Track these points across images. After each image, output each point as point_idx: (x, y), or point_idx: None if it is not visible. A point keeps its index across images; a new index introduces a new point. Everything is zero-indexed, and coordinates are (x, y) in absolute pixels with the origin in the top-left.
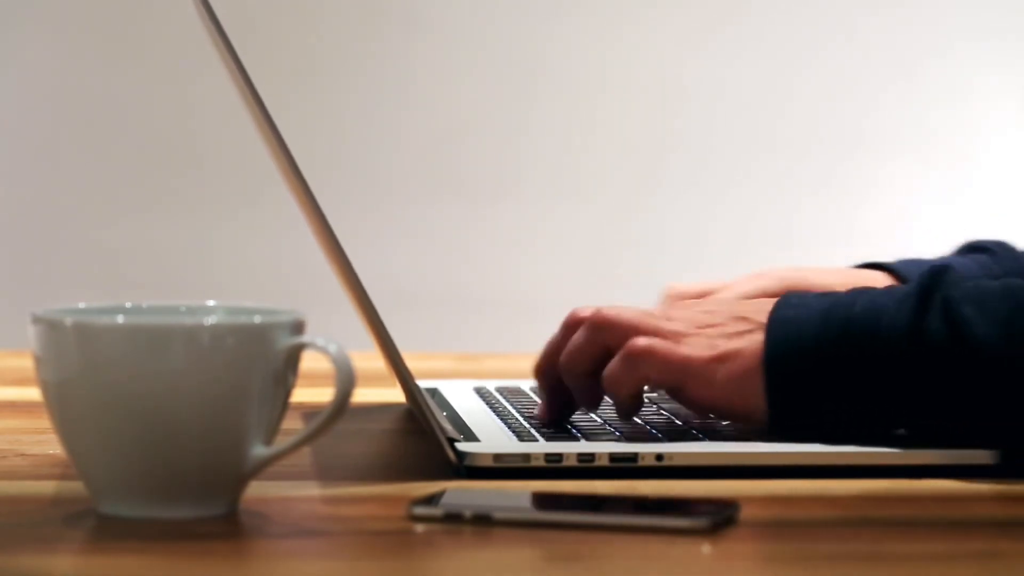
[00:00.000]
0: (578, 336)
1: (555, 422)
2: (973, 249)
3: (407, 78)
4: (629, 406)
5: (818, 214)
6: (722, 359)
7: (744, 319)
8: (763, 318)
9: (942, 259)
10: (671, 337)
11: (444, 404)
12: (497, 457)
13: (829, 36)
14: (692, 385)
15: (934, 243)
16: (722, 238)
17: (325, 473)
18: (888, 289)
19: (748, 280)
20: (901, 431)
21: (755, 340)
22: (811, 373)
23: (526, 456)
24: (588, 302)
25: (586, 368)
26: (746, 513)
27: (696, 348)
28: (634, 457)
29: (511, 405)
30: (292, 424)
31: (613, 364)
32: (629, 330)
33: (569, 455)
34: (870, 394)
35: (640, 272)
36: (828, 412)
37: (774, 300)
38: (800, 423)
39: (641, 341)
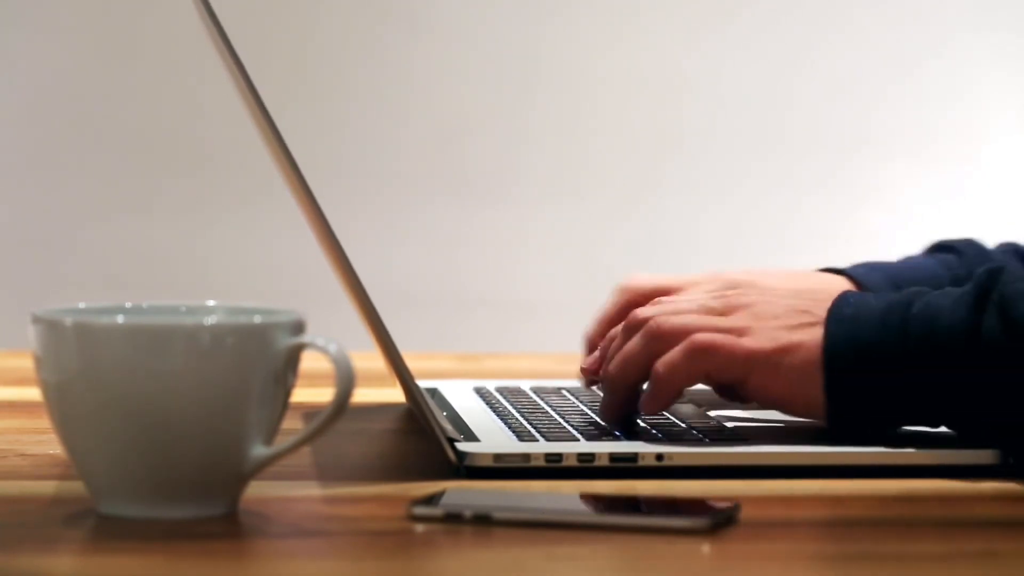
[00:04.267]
0: (633, 345)
1: (620, 421)
2: (940, 249)
3: (407, 78)
4: (669, 400)
5: (818, 214)
6: (785, 351)
7: (805, 311)
8: (823, 312)
9: (906, 259)
10: (732, 332)
11: (444, 404)
12: (497, 457)
13: (830, 35)
14: (756, 377)
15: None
16: (723, 238)
17: (325, 473)
18: (946, 289)
19: (703, 283)
20: (955, 429)
21: (816, 334)
22: (870, 371)
23: (526, 456)
24: (589, 303)
25: (637, 379)
26: (746, 513)
27: (759, 340)
28: (634, 457)
29: (511, 405)
30: (292, 424)
31: (673, 356)
32: (686, 334)
33: (569, 455)
34: (928, 392)
35: (640, 272)
36: (886, 409)
37: (832, 294)
38: (858, 419)
39: (703, 336)
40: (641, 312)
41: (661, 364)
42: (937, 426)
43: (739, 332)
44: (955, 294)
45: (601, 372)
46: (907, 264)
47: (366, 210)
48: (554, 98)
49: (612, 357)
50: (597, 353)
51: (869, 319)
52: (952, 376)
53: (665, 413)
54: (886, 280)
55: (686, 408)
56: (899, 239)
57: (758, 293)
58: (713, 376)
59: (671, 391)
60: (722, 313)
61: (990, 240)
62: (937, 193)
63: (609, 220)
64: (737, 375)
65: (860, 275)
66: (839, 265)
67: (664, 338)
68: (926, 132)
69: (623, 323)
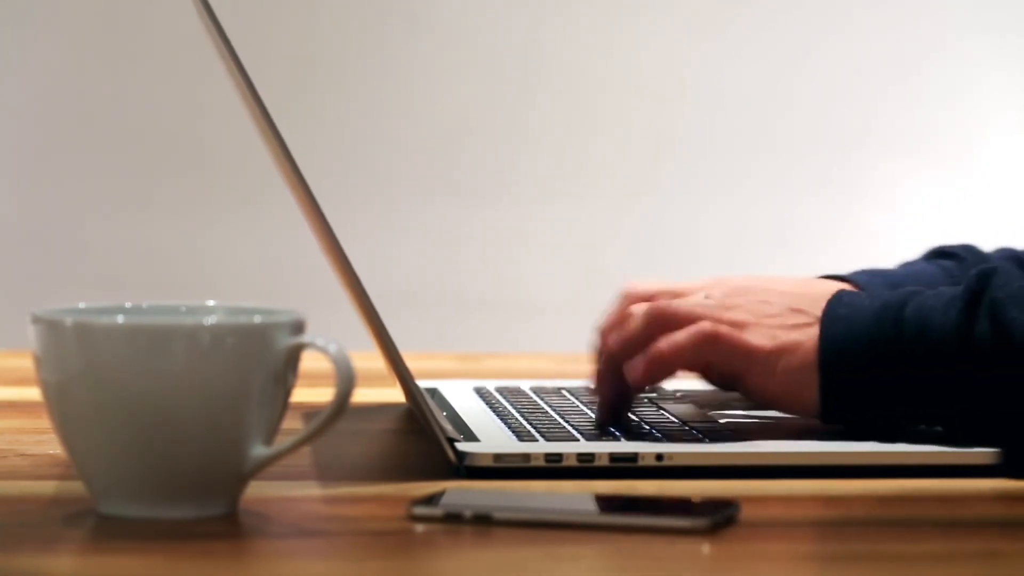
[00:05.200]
0: (635, 324)
1: (613, 419)
2: (940, 255)
3: (407, 78)
4: (660, 376)
5: (818, 214)
6: (782, 351)
7: (801, 311)
8: (818, 312)
9: (905, 265)
10: (733, 325)
11: (444, 404)
12: (497, 457)
13: (830, 35)
14: (753, 374)
15: (933, 243)
16: (723, 238)
17: (325, 473)
18: (939, 290)
19: (705, 288)
20: (946, 428)
21: (811, 334)
22: (864, 371)
23: (526, 456)
24: (589, 303)
25: (634, 356)
26: (746, 513)
27: (758, 337)
28: (634, 457)
29: (511, 405)
30: (292, 424)
31: (679, 337)
32: (691, 320)
33: (569, 455)
34: (919, 392)
35: (640, 272)
36: (879, 409)
37: (827, 294)
38: (851, 418)
39: (710, 324)
40: (639, 305)
41: (665, 342)
42: (930, 426)
43: (740, 326)
44: (947, 295)
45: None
46: (908, 270)
47: (366, 210)
48: (554, 98)
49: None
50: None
51: (863, 319)
52: (944, 377)
53: (666, 413)
54: (889, 287)
55: (686, 408)
56: (898, 239)
57: (755, 292)
58: (713, 366)
59: (667, 368)
60: (721, 308)
61: (990, 240)
62: (936, 193)
63: (609, 220)
64: (736, 369)
65: (862, 282)
66: (839, 272)
67: (667, 320)
68: (926, 132)
69: (621, 315)
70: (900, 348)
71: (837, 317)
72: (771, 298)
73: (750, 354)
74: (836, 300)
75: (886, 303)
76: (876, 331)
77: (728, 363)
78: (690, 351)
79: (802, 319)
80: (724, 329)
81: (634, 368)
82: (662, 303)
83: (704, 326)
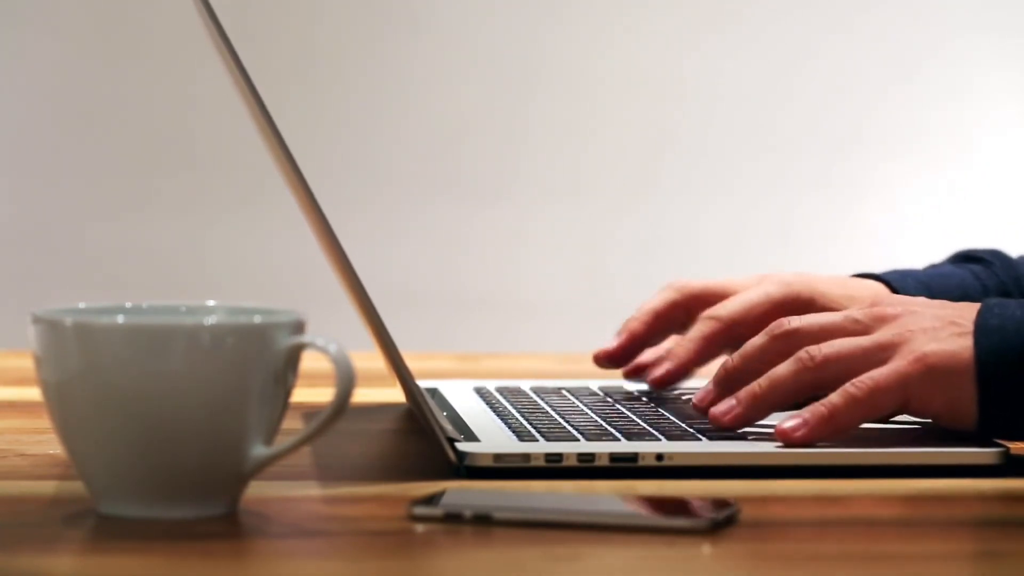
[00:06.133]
0: (785, 373)
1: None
2: (966, 258)
3: (407, 78)
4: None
5: (815, 213)
6: (935, 366)
7: (954, 323)
8: (968, 323)
9: (934, 268)
10: (883, 349)
11: (444, 404)
12: (497, 457)
13: (829, 35)
14: (915, 399)
15: (932, 242)
16: (723, 238)
17: (325, 473)
18: None
19: (755, 285)
20: None
21: (964, 344)
22: (1020, 380)
23: (526, 456)
24: (588, 303)
25: (785, 404)
26: (746, 513)
27: (908, 359)
28: (634, 457)
29: (511, 405)
30: (292, 424)
31: (836, 406)
32: (847, 364)
33: (569, 455)
34: None
35: (640, 271)
36: None
37: (974, 304)
38: (1008, 427)
39: (863, 387)
40: (789, 323)
41: (826, 416)
42: None
43: (887, 349)
44: None
45: (734, 371)
46: (937, 272)
47: (366, 210)
48: (554, 98)
49: (750, 361)
50: (660, 358)
51: (1016, 328)
52: None
53: (665, 413)
54: (920, 288)
55: (686, 408)
56: (898, 238)
57: (901, 305)
58: (873, 417)
59: (831, 436)
60: (868, 327)
61: (990, 240)
62: (935, 192)
63: (609, 220)
64: (898, 404)
65: (894, 280)
66: (872, 271)
67: (816, 369)
68: (926, 132)
69: (769, 330)
70: None
71: (989, 328)
72: (918, 308)
73: (904, 383)
74: (987, 310)
75: None
76: None
77: (891, 405)
78: (853, 419)
79: (955, 330)
80: (880, 380)
81: (801, 436)
82: (809, 349)
83: (857, 392)
